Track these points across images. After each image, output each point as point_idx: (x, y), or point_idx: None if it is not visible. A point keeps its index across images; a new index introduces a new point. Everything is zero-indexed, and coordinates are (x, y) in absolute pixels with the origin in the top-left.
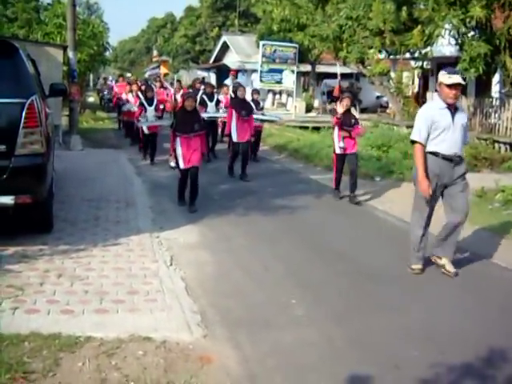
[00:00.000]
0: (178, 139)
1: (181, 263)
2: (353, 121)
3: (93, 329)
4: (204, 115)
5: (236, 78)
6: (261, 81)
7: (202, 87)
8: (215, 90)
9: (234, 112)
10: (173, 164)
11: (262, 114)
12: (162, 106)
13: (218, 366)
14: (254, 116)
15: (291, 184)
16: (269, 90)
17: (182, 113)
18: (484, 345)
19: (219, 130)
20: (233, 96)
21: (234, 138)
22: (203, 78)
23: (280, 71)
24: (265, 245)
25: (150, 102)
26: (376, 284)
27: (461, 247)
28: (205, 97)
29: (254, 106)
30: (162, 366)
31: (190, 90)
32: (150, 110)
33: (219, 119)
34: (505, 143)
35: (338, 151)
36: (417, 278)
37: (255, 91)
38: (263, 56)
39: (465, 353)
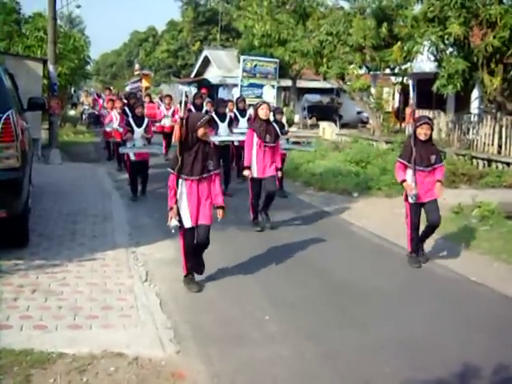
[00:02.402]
0: (182, 184)
1: (156, 279)
2: (433, 157)
3: (65, 345)
4: (215, 139)
5: (208, 95)
6: (241, 95)
7: (207, 104)
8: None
9: (254, 137)
10: (174, 223)
11: (287, 140)
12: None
13: (189, 382)
14: (284, 144)
15: None
16: (249, 105)
17: (190, 145)
18: (456, 360)
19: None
20: (236, 112)
21: (255, 173)
22: (185, 93)
23: (260, 86)
24: (241, 261)
25: (139, 121)
26: (350, 299)
27: (439, 263)
28: (215, 116)
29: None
30: (134, 382)
31: (192, 109)
32: (139, 132)
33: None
34: (483, 159)
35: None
36: (390, 293)
37: (279, 111)
38: (244, 71)
39: (436, 368)
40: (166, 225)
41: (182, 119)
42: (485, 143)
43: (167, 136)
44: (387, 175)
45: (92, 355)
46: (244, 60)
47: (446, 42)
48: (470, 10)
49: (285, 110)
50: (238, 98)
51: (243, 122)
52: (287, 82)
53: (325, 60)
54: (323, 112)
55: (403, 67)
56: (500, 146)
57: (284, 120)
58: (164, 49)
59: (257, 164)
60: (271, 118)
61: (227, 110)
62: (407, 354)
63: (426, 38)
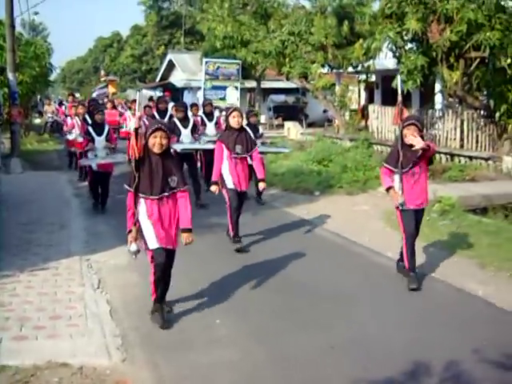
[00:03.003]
0: (142, 205)
1: (108, 286)
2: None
3: (9, 357)
4: (177, 147)
5: (172, 99)
6: (205, 98)
7: (172, 108)
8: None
9: (224, 149)
10: (134, 248)
11: (263, 144)
12: (115, 135)
13: None
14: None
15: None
16: (215, 107)
17: (147, 159)
18: (410, 360)
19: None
20: (202, 116)
21: (231, 185)
22: (151, 98)
23: (224, 88)
24: (195, 265)
25: (99, 129)
26: (305, 300)
27: (389, 257)
28: (177, 121)
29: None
30: None
31: (155, 114)
32: (100, 141)
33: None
34: (445, 153)
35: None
36: (345, 294)
37: (252, 113)
38: (206, 73)
39: (387, 368)
40: (122, 231)
41: (135, 130)
42: (447, 138)
43: None
44: (348, 173)
45: (36, 366)
46: (206, 62)
47: (405, 38)
48: (428, 5)
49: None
50: (204, 102)
51: (210, 127)
52: (252, 83)
53: (287, 60)
54: (289, 112)
55: (366, 64)
56: (462, 140)
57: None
58: (128, 54)
59: (232, 176)
60: (244, 122)
61: (190, 114)
62: (358, 354)
63: (384, 35)
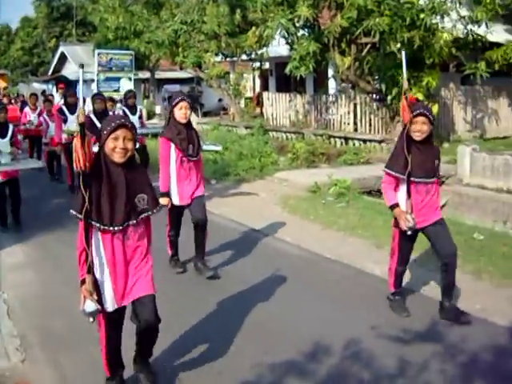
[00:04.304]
0: (96, 240)
1: (5, 285)
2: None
3: None
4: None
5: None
6: (98, 90)
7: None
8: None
9: (172, 149)
10: (92, 307)
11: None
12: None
13: None
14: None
15: None
16: (109, 99)
17: (106, 171)
18: (310, 341)
19: None
20: (125, 109)
21: (176, 200)
22: (43, 91)
23: (117, 79)
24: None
25: (1, 130)
26: (205, 287)
27: (297, 244)
28: (94, 117)
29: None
30: None
31: (64, 110)
32: (4, 144)
33: None
34: (340, 137)
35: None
36: (245, 277)
37: (131, 94)
38: (99, 65)
39: (289, 351)
40: (18, 228)
41: (81, 127)
42: (341, 122)
43: (33, 140)
44: (244, 160)
45: None
46: (99, 54)
47: (297, 24)
48: None
49: (145, 102)
50: (127, 94)
51: (135, 120)
52: (146, 74)
53: (181, 49)
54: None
55: (259, 52)
56: (356, 124)
57: (144, 111)
58: (19, 47)
59: (179, 187)
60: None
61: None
62: (259, 338)
63: (276, 22)
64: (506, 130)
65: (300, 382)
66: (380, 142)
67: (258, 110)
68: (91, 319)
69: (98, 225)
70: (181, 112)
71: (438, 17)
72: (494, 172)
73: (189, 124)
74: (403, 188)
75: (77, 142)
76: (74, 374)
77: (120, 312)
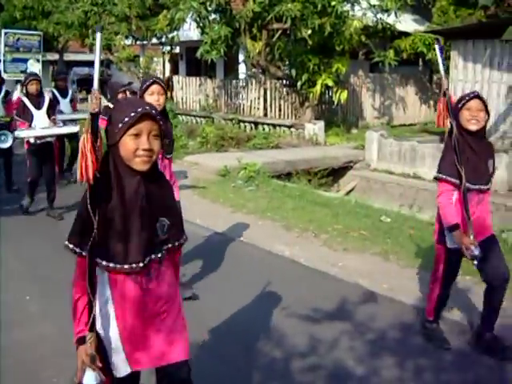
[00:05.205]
0: (103, 283)
1: None
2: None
3: None
4: (27, 134)
5: None
6: (5, 71)
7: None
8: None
9: None
10: (94, 380)
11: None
12: None
13: None
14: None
15: None
16: (17, 81)
17: (118, 184)
18: (225, 326)
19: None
20: (55, 91)
21: None
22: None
23: (25, 60)
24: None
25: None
26: None
27: (206, 227)
28: (26, 100)
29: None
30: None
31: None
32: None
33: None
34: (250, 122)
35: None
36: None
37: (62, 76)
38: (6, 45)
39: (199, 330)
40: None
41: (93, 117)
42: (251, 107)
43: None
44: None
45: None
46: (6, 34)
47: (209, 8)
48: None
49: (53, 84)
50: (57, 75)
51: (65, 104)
52: (54, 56)
53: (90, 31)
54: (93, 85)
55: (170, 36)
56: (266, 109)
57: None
58: None
59: None
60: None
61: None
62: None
63: (188, 5)
64: (412, 117)
65: (212, 361)
66: (290, 127)
67: (168, 93)
68: None
69: (106, 263)
70: (152, 98)
71: (349, 4)
72: (400, 158)
73: (163, 113)
74: (456, 196)
75: (85, 142)
76: None
77: (134, 377)
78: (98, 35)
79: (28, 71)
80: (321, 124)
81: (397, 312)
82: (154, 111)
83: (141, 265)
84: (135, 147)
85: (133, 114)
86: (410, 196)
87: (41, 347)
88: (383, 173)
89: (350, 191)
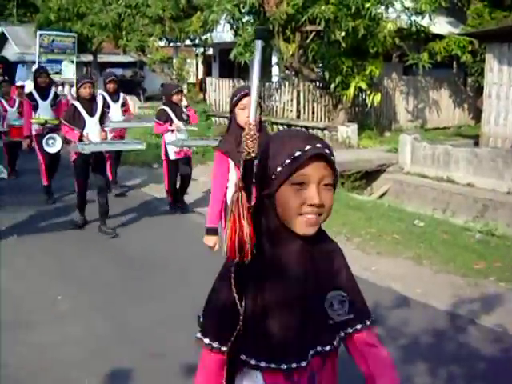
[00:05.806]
0: None
1: None
2: None
3: None
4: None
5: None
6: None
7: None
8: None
9: (232, 170)
10: None
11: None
12: None
13: None
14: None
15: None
16: (51, 82)
17: (273, 256)
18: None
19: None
20: (105, 94)
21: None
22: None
23: (59, 62)
24: (29, 239)
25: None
26: (145, 273)
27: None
28: (79, 105)
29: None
30: None
31: (35, 95)
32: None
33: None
34: (283, 124)
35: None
36: (185, 266)
37: (111, 79)
38: (41, 47)
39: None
40: None
41: (247, 163)
42: (284, 109)
43: (13, 146)
44: None
45: None
46: (41, 35)
47: (242, 10)
48: None
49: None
50: (106, 78)
51: (116, 109)
52: (88, 57)
53: (124, 33)
54: (126, 86)
55: (203, 38)
56: (299, 111)
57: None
58: None
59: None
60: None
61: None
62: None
63: (222, 7)
64: (446, 120)
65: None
66: (323, 129)
67: (200, 95)
68: None
69: (257, 362)
70: (246, 113)
71: (383, 7)
72: (434, 161)
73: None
74: None
75: (240, 203)
76: (15, 358)
77: None
78: (259, 42)
79: (62, 72)
80: (354, 127)
81: (429, 317)
82: (327, 150)
83: (303, 364)
84: (299, 202)
85: (298, 154)
86: (444, 200)
87: (71, 348)
88: (416, 176)
89: (383, 195)
